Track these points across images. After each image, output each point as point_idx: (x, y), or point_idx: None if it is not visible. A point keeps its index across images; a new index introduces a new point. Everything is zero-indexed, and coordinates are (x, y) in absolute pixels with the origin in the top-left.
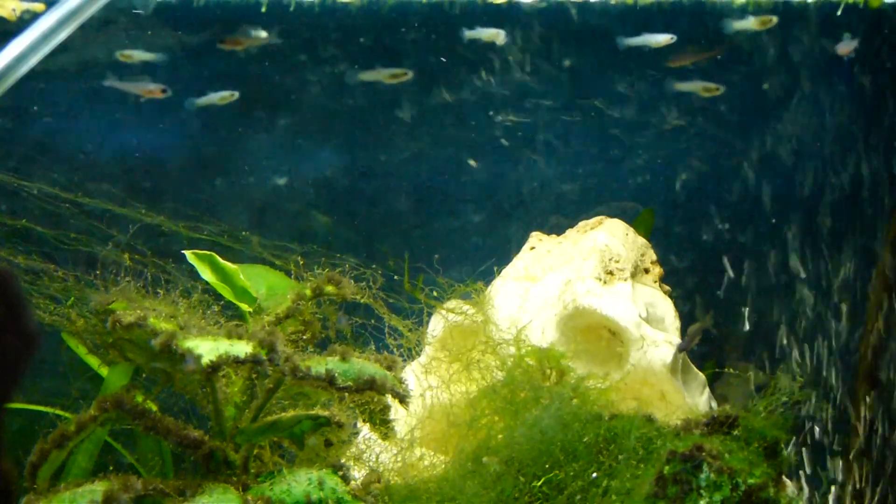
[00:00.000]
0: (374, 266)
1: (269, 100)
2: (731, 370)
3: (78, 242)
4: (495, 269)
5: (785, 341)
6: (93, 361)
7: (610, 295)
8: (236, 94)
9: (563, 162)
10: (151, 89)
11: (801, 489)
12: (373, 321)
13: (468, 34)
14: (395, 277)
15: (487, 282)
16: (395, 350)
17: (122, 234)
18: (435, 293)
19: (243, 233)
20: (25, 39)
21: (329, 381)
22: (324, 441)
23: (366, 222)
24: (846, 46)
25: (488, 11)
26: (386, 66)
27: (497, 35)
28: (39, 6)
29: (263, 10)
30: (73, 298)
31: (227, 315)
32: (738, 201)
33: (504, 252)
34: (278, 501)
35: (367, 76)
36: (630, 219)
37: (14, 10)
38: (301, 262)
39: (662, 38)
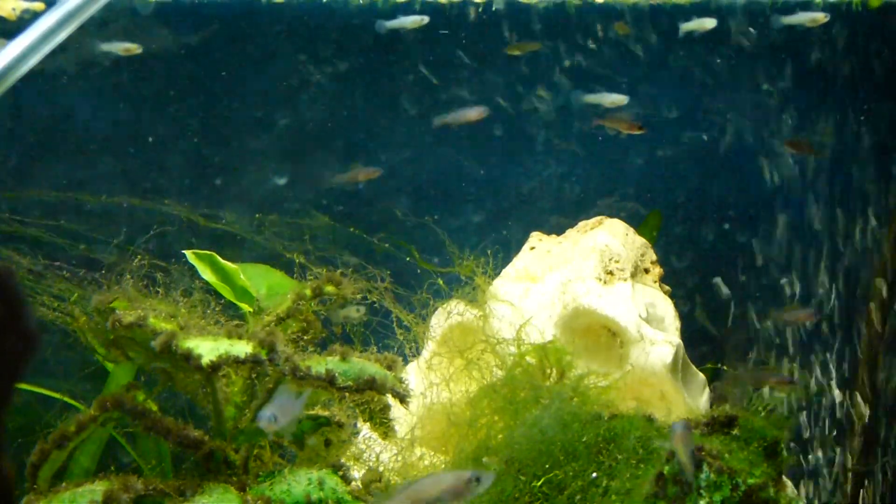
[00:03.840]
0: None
1: None
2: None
3: (80, 242)
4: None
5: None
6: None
7: (610, 295)
8: (426, 19)
9: (563, 162)
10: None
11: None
12: (375, 324)
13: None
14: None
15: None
16: (395, 350)
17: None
18: (437, 288)
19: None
20: (25, 39)
21: (329, 381)
22: (324, 441)
23: None
24: None
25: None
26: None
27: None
28: (39, 5)
29: None
30: (75, 295)
31: (228, 315)
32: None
33: (504, 252)
34: (278, 501)
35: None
36: (631, 219)
37: (14, 9)
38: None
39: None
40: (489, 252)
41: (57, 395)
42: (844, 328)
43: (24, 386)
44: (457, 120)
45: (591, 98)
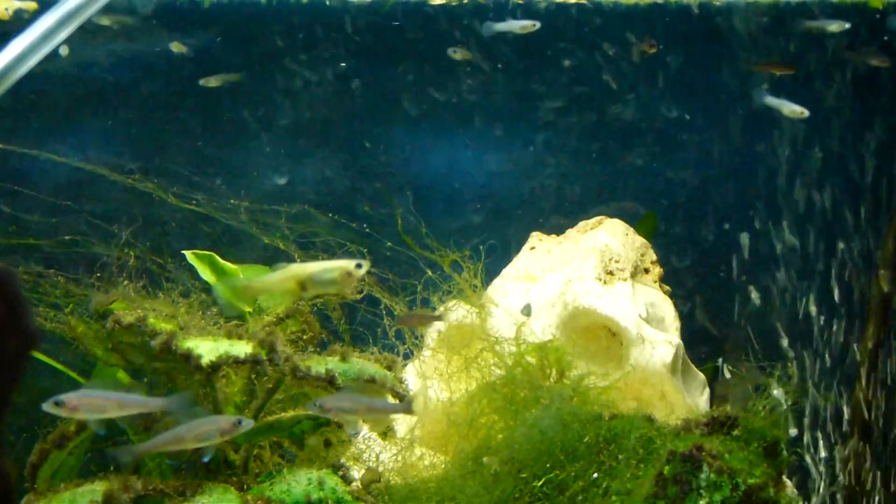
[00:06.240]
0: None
1: None
2: (731, 369)
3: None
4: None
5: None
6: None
7: (610, 295)
8: (538, 24)
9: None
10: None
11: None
12: (375, 319)
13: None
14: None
15: (487, 281)
16: (395, 350)
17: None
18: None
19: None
20: (25, 39)
21: (329, 380)
22: (324, 441)
23: None
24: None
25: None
26: None
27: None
28: (32, 5)
29: None
30: (71, 305)
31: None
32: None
33: (504, 252)
34: (278, 501)
35: None
36: (631, 220)
37: (7, 9)
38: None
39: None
40: (481, 249)
41: (82, 380)
42: (847, 325)
43: (54, 364)
44: (510, 28)
45: (772, 101)
